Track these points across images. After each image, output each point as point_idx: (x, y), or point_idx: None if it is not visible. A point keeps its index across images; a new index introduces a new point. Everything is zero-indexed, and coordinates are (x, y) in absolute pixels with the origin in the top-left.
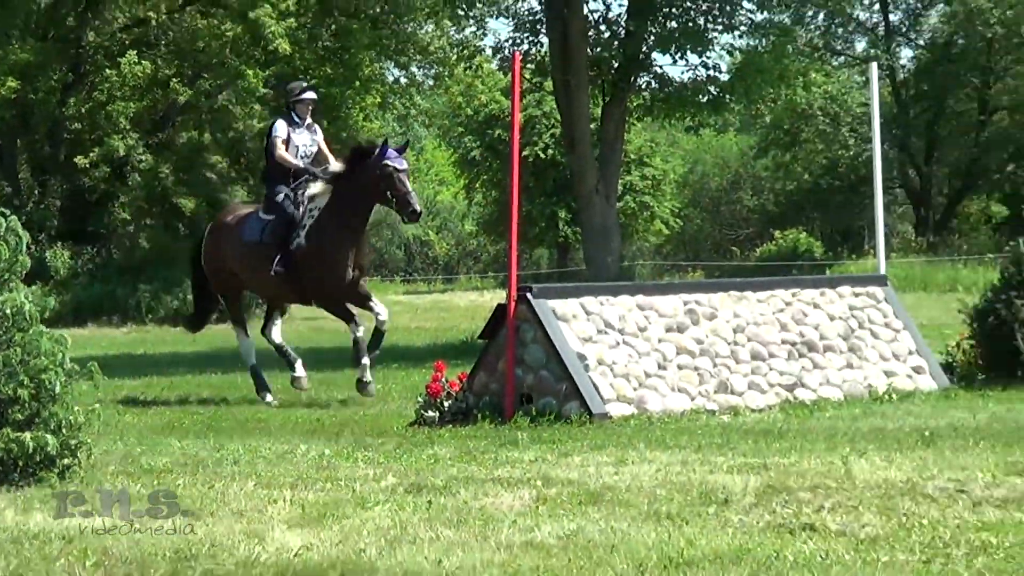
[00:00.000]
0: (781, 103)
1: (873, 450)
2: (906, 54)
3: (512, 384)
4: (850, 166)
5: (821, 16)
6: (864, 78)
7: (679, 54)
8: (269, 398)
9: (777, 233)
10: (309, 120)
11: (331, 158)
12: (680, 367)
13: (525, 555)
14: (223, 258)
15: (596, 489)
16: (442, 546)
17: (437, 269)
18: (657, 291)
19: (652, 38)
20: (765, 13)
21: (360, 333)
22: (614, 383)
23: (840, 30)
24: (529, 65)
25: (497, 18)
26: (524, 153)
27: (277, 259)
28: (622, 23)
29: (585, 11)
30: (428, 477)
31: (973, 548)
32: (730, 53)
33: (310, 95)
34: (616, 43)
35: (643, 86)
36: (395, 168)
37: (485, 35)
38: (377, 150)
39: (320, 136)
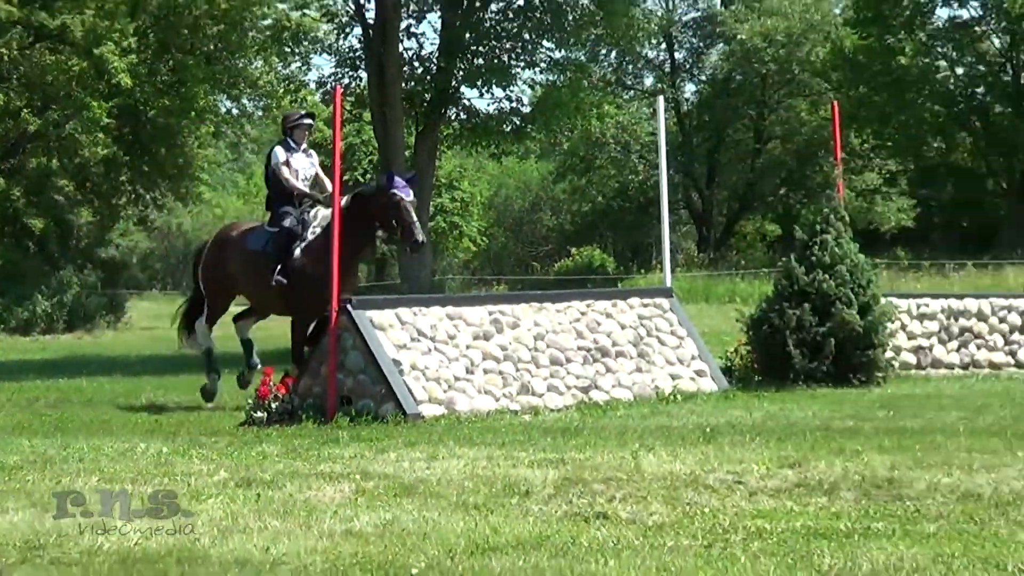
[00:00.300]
0: (577, 132)
1: (660, 446)
2: (689, 88)
3: (333, 387)
4: (639, 189)
5: (613, 54)
6: (652, 110)
7: (485, 88)
8: (214, 381)
9: (574, 250)
10: (305, 145)
11: (327, 181)
12: (486, 371)
13: (345, 542)
14: (225, 268)
15: (410, 482)
16: (270, 535)
17: None
18: (465, 303)
19: (461, 74)
20: (563, 51)
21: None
22: (426, 386)
23: (630, 67)
24: (349, 98)
25: (320, 55)
26: (345, 177)
27: (277, 269)
28: (434, 60)
29: (400, 49)
30: (257, 472)
31: (749, 534)
32: (531, 87)
33: (308, 121)
34: (428, 78)
35: (453, 117)
36: (402, 198)
37: (309, 70)
38: (385, 178)
39: (316, 160)
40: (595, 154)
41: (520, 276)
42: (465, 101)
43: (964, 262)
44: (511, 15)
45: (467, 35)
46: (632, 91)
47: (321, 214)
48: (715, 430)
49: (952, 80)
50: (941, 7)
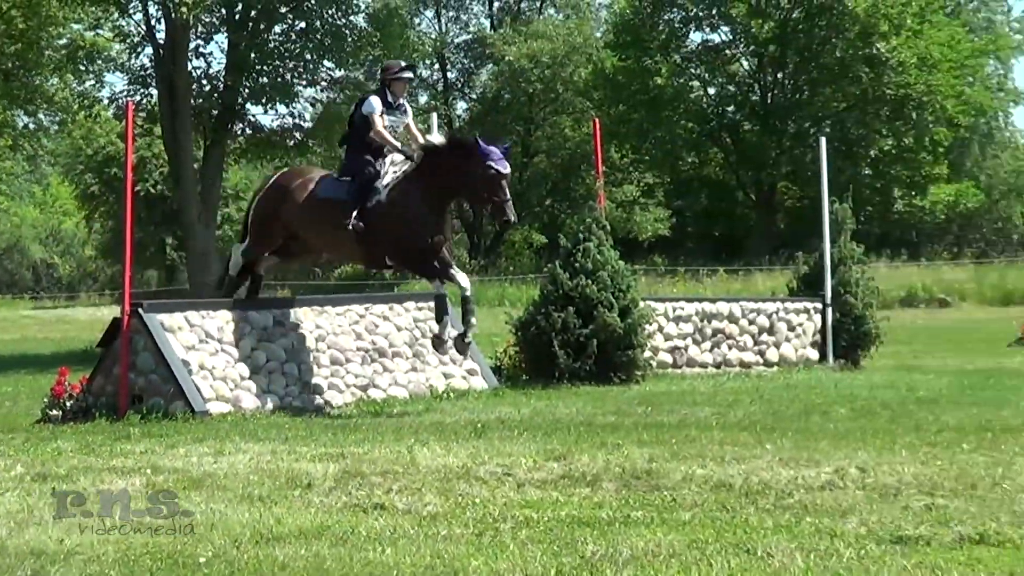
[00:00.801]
0: None
1: (434, 440)
2: (461, 106)
3: (125, 386)
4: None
5: None
6: (426, 126)
7: (270, 105)
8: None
9: None
10: (401, 100)
11: (419, 137)
12: (270, 371)
13: (136, 533)
14: (282, 216)
15: (198, 476)
16: (64, 527)
17: (61, 287)
18: (251, 306)
19: (247, 91)
20: (343, 70)
21: (444, 290)
22: (214, 385)
23: None
24: (141, 113)
25: (113, 73)
26: (137, 188)
27: (355, 214)
28: (221, 78)
29: (189, 68)
30: (52, 467)
31: (518, 523)
32: (313, 104)
33: (408, 74)
34: (216, 95)
35: (239, 132)
36: (498, 171)
37: (103, 87)
38: (480, 147)
39: (409, 116)
40: None
41: (302, 282)
42: (251, 117)
43: (716, 268)
44: (294, 36)
45: (252, 55)
46: None
47: (391, 159)
48: (486, 426)
49: (705, 99)
50: (694, 31)
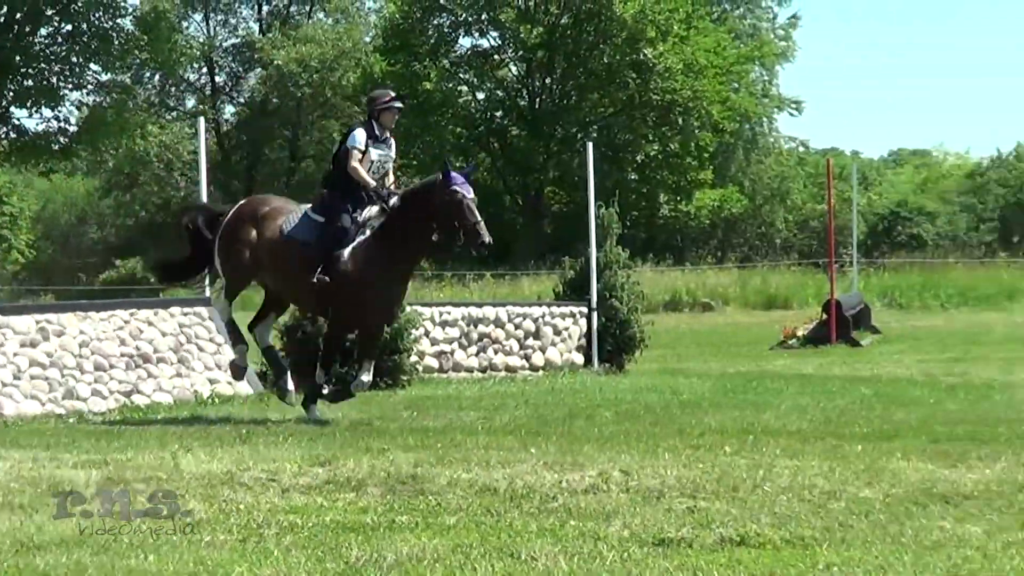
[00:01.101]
0: (122, 151)
1: (199, 446)
2: (229, 110)
3: None
4: (181, 205)
5: (157, 77)
6: (193, 130)
7: (34, 108)
8: (243, 353)
9: (119, 261)
10: (387, 134)
11: (393, 179)
12: (32, 377)
13: None
14: (245, 251)
15: None
16: None
17: None
18: (13, 312)
19: (11, 94)
20: (109, 74)
21: (367, 378)
22: None
23: (173, 89)
24: None
25: None
26: None
27: (321, 268)
28: None
29: None
30: None
31: (282, 528)
32: (79, 108)
33: (399, 104)
34: None
35: (3, 135)
36: (463, 195)
37: None
38: (440, 175)
39: (394, 151)
40: (139, 171)
41: (67, 286)
42: (15, 120)
43: (483, 273)
44: (60, 39)
45: (17, 58)
46: (175, 112)
47: (370, 213)
48: (251, 432)
49: (473, 104)
50: (464, 36)
